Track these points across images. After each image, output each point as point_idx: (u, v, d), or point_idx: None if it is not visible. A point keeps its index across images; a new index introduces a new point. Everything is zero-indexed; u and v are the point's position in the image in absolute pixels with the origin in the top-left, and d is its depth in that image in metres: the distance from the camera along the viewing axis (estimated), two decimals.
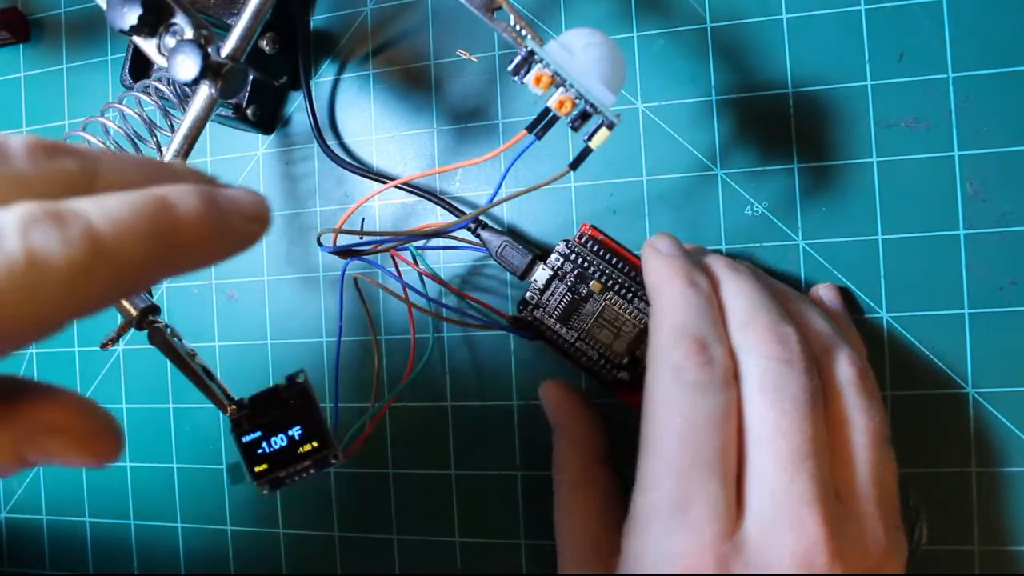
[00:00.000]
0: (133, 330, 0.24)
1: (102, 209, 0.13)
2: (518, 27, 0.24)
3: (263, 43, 0.32)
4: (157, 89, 0.30)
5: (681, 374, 0.21)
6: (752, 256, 0.29)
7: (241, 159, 0.35)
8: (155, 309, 0.24)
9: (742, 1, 0.29)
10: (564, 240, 0.28)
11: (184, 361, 0.24)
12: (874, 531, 0.21)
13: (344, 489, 0.34)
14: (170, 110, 0.30)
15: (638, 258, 0.28)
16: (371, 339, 0.33)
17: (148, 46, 0.24)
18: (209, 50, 0.23)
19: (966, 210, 0.27)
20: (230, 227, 0.15)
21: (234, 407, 0.24)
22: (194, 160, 0.32)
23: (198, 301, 0.36)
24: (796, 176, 0.29)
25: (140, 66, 0.33)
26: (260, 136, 0.35)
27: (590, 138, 0.23)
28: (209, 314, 0.36)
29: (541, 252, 0.29)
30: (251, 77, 0.32)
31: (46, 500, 0.38)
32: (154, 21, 0.24)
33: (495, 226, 0.30)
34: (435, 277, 0.30)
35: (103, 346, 0.24)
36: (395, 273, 0.29)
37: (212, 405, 0.23)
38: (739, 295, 0.23)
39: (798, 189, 0.29)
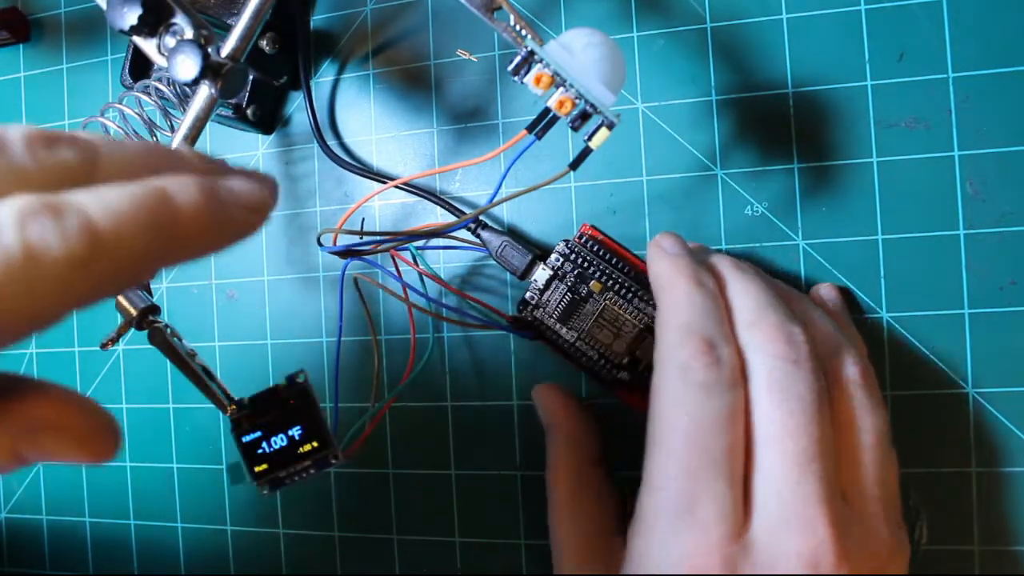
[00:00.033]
0: (133, 330, 0.24)
1: (101, 202, 0.13)
2: (518, 27, 0.24)
3: (263, 43, 0.32)
4: (157, 89, 0.30)
5: (688, 374, 0.21)
6: (752, 256, 0.29)
7: (241, 159, 0.35)
8: (155, 309, 0.24)
9: (742, 1, 0.29)
10: (564, 240, 0.28)
11: (184, 361, 0.24)
12: (879, 531, 0.21)
13: (344, 489, 0.34)
14: (170, 110, 0.30)
15: (638, 258, 0.28)
16: (371, 339, 0.33)
17: (148, 46, 0.24)
18: (209, 50, 0.23)
19: (966, 210, 0.27)
20: (230, 219, 0.15)
21: (234, 407, 0.24)
22: None
23: (198, 301, 0.36)
24: (796, 176, 0.29)
25: (140, 66, 0.33)
26: (260, 136, 0.35)
27: (590, 138, 0.23)
28: (209, 314, 0.36)
29: (541, 252, 0.29)
30: (251, 77, 0.32)
31: (46, 500, 0.38)
32: (154, 21, 0.24)
33: (495, 226, 0.30)
34: (435, 277, 0.30)
35: (103, 346, 0.24)
36: (395, 273, 0.29)
37: (212, 405, 0.23)
38: (746, 295, 0.23)
39: (798, 189, 0.29)
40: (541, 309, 0.28)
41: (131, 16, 0.23)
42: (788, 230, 0.29)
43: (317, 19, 0.34)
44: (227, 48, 0.25)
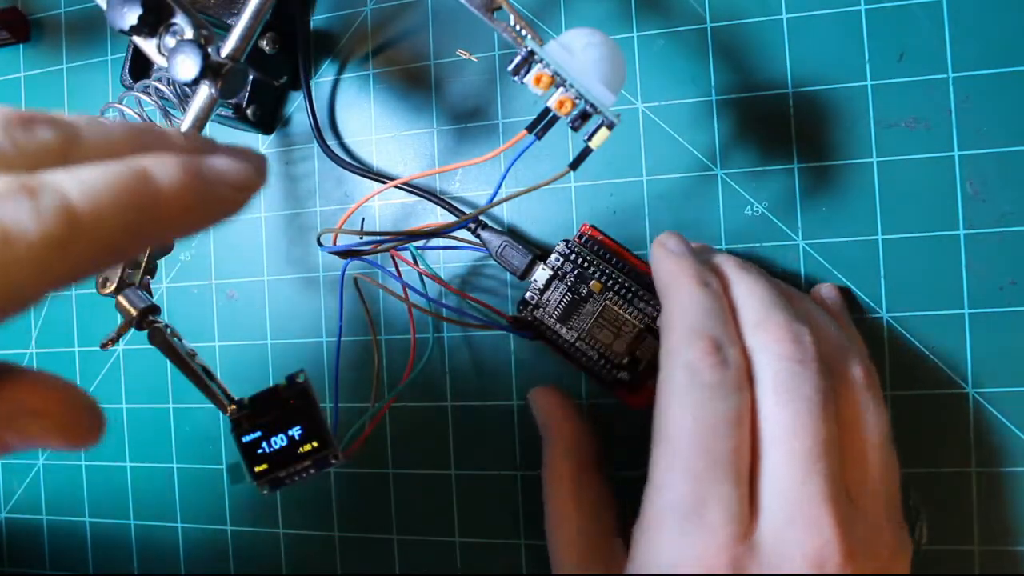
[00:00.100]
0: (133, 330, 0.24)
1: (79, 181, 0.13)
2: (518, 27, 0.24)
3: (263, 43, 0.32)
4: (157, 89, 0.30)
5: (696, 374, 0.21)
6: (752, 256, 0.29)
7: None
8: (155, 309, 0.24)
9: (742, 1, 0.29)
10: (564, 240, 0.28)
11: (184, 361, 0.24)
12: (884, 531, 0.21)
13: (344, 489, 0.34)
14: (170, 110, 0.30)
15: (638, 258, 0.28)
16: (371, 339, 0.33)
17: (148, 46, 0.24)
18: (209, 50, 0.23)
19: (966, 210, 0.27)
20: (215, 197, 0.15)
21: (234, 407, 0.24)
22: None
23: (198, 301, 0.36)
24: (796, 176, 0.29)
25: (140, 66, 0.33)
26: (260, 136, 0.35)
27: (590, 138, 0.23)
28: (209, 314, 0.36)
29: (541, 252, 0.29)
30: (251, 77, 0.32)
31: (46, 500, 0.38)
32: (154, 21, 0.24)
33: (495, 226, 0.30)
34: (435, 277, 0.30)
35: (103, 346, 0.24)
36: (395, 273, 0.29)
37: (212, 405, 0.23)
38: (751, 295, 0.23)
39: (798, 189, 0.29)
40: (541, 309, 0.28)
41: (131, 16, 0.23)
42: (788, 230, 0.29)
43: (317, 19, 0.34)
44: (227, 48, 0.25)
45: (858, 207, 0.28)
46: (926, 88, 0.27)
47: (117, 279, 0.24)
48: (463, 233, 0.29)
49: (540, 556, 0.31)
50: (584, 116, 0.23)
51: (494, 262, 0.29)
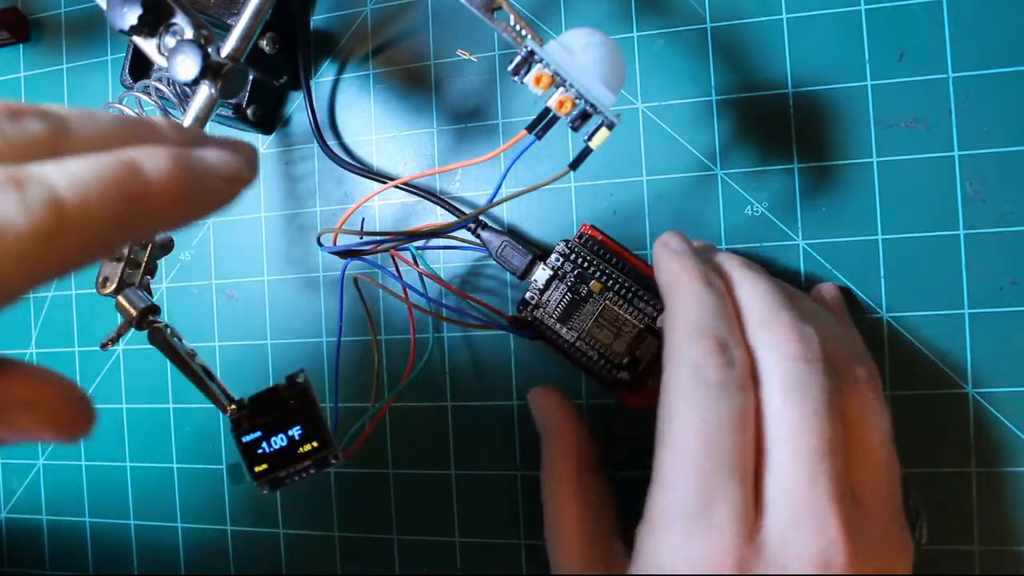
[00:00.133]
0: (133, 330, 0.24)
1: (67, 173, 0.13)
2: (518, 27, 0.24)
3: (263, 43, 0.32)
4: (157, 89, 0.30)
5: (702, 374, 0.21)
6: (752, 256, 0.29)
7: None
8: (155, 309, 0.24)
9: (742, 1, 0.29)
10: (564, 240, 0.28)
11: (184, 361, 0.24)
12: (888, 531, 0.21)
13: (344, 489, 0.34)
14: (170, 110, 0.30)
15: (638, 258, 0.28)
16: (371, 339, 0.33)
17: (148, 46, 0.24)
18: (209, 50, 0.23)
19: (966, 210, 0.27)
20: (205, 188, 0.15)
21: (234, 407, 0.24)
22: None
23: (198, 301, 0.36)
24: (796, 176, 0.29)
25: (140, 66, 0.33)
26: (260, 136, 0.35)
27: (590, 138, 0.23)
28: (209, 314, 0.36)
29: (541, 252, 0.29)
30: (251, 77, 0.32)
31: (46, 500, 0.38)
32: (154, 21, 0.24)
33: (495, 226, 0.30)
34: (435, 277, 0.30)
35: (103, 346, 0.24)
36: (395, 273, 0.29)
37: (212, 405, 0.23)
38: (756, 294, 0.23)
39: (798, 189, 0.29)
40: (541, 309, 0.28)
41: (131, 16, 0.23)
42: (788, 230, 0.29)
43: (317, 19, 0.34)
44: (227, 48, 0.25)
45: (858, 207, 0.28)
46: (926, 88, 0.27)
47: (117, 279, 0.24)
48: (463, 233, 0.29)
49: (540, 556, 0.31)
50: (584, 116, 0.23)
51: (494, 262, 0.29)
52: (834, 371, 0.21)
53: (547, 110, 0.24)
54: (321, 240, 0.29)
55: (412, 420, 0.33)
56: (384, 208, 0.33)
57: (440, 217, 0.32)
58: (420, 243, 0.30)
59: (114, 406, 0.37)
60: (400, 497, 0.33)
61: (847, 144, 0.28)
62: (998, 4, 0.27)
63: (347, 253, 0.28)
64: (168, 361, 0.23)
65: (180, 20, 0.24)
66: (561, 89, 0.23)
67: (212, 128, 0.35)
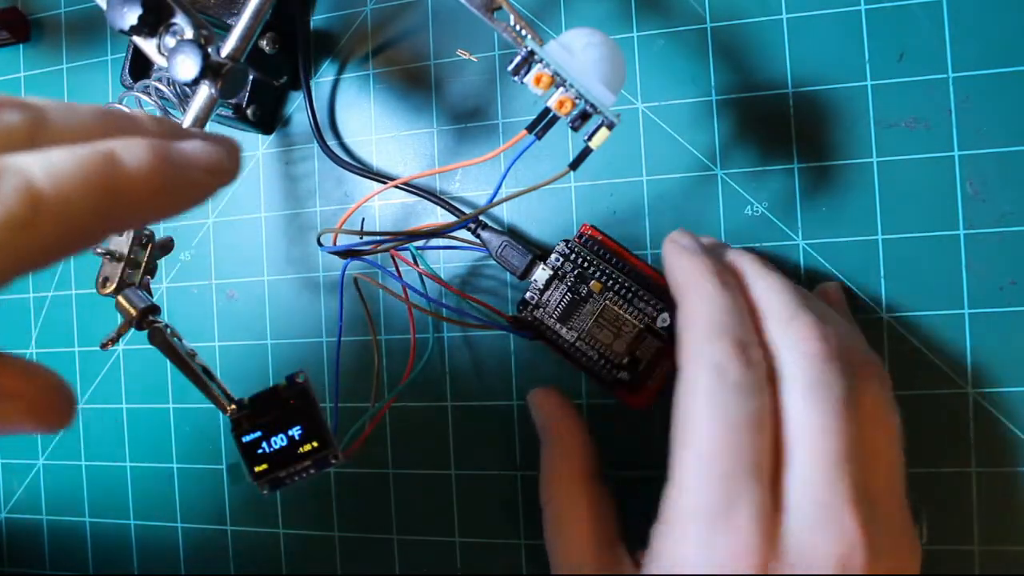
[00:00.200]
0: (133, 330, 0.24)
1: (43, 163, 0.13)
2: (518, 27, 0.24)
3: (263, 43, 0.32)
4: (157, 89, 0.30)
5: (724, 374, 0.20)
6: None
7: (241, 159, 0.35)
8: (155, 309, 0.24)
9: (742, 1, 0.29)
10: (564, 240, 0.28)
11: (184, 361, 0.24)
12: (900, 531, 0.21)
13: (344, 489, 0.34)
14: (170, 110, 0.30)
15: (638, 258, 0.28)
16: (371, 339, 0.33)
17: (148, 46, 0.24)
18: (209, 50, 0.23)
19: (966, 210, 0.27)
20: (186, 180, 0.15)
21: (234, 407, 0.24)
22: None
23: (198, 301, 0.36)
24: (796, 176, 0.29)
25: (140, 66, 0.33)
26: (260, 136, 0.35)
27: (590, 138, 0.23)
28: (209, 314, 0.36)
29: (541, 252, 0.29)
30: (251, 77, 0.32)
31: (46, 500, 0.38)
32: (154, 21, 0.24)
33: (495, 226, 0.30)
34: (435, 277, 0.30)
35: (103, 346, 0.24)
36: (395, 273, 0.29)
37: (212, 405, 0.23)
38: (774, 292, 0.22)
39: (798, 189, 0.29)
40: (541, 309, 0.28)
41: (131, 16, 0.23)
42: (788, 230, 0.29)
43: (317, 19, 0.34)
44: (227, 48, 0.25)
45: (858, 207, 0.28)
46: (926, 88, 0.27)
47: (117, 279, 0.24)
48: (463, 233, 0.29)
49: (540, 556, 0.31)
50: (584, 116, 0.23)
51: (494, 262, 0.29)
52: (850, 370, 0.21)
53: (547, 110, 0.24)
54: (321, 240, 0.29)
55: (412, 420, 0.33)
56: (384, 208, 0.33)
57: (440, 217, 0.32)
58: (420, 243, 0.30)
59: (114, 406, 0.37)
60: (400, 497, 0.33)
61: (847, 144, 0.28)
62: (998, 4, 0.27)
63: (347, 253, 0.28)
64: (168, 361, 0.23)
65: (180, 20, 0.24)
66: (561, 89, 0.23)
67: (212, 128, 0.35)
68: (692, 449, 0.20)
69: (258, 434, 0.24)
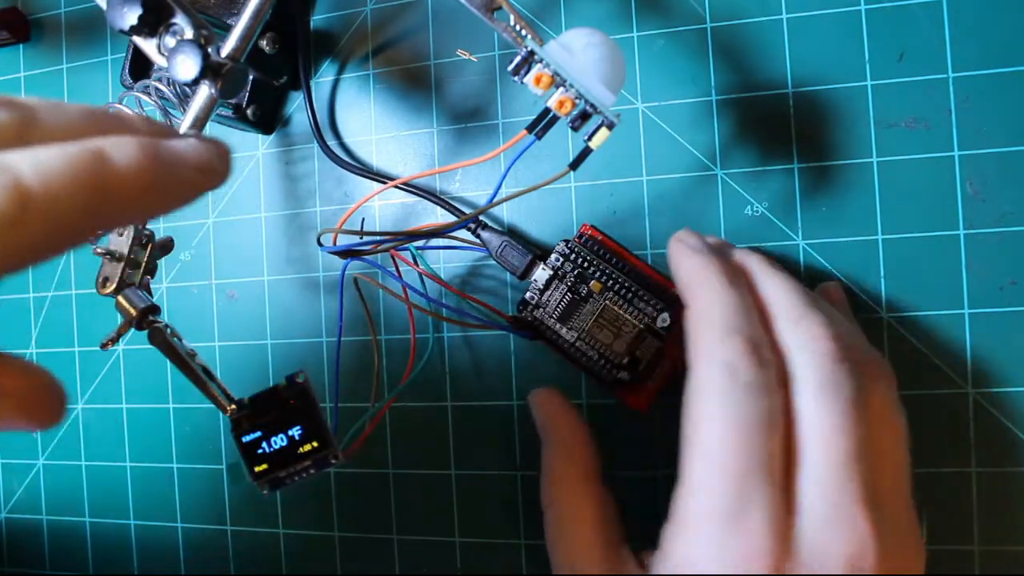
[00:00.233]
0: (133, 330, 0.24)
1: (32, 161, 0.13)
2: (518, 27, 0.24)
3: (263, 43, 0.32)
4: (157, 89, 0.30)
5: (736, 374, 0.20)
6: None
7: (241, 159, 0.35)
8: (155, 309, 0.24)
9: (742, 1, 0.29)
10: (564, 240, 0.28)
11: (184, 361, 0.24)
12: (907, 532, 0.21)
13: (344, 489, 0.34)
14: (170, 110, 0.30)
15: (638, 258, 0.28)
16: (371, 339, 0.33)
17: (148, 46, 0.24)
18: (209, 50, 0.23)
19: (966, 210, 0.27)
20: (176, 179, 0.15)
21: (234, 407, 0.24)
22: None
23: (198, 301, 0.36)
24: (796, 176, 0.29)
25: (140, 66, 0.33)
26: (260, 136, 0.35)
27: (590, 138, 0.23)
28: (209, 314, 0.36)
29: (541, 252, 0.29)
30: (251, 77, 0.32)
31: (46, 500, 0.38)
32: (154, 21, 0.24)
33: (495, 226, 0.30)
34: (435, 277, 0.30)
35: (103, 346, 0.24)
36: (395, 273, 0.29)
37: (212, 405, 0.23)
38: (784, 292, 0.22)
39: (798, 189, 0.29)
40: (541, 309, 0.28)
41: (131, 16, 0.23)
42: (788, 230, 0.29)
43: (317, 19, 0.34)
44: (227, 48, 0.25)
45: (858, 207, 0.28)
46: (926, 88, 0.27)
47: (117, 279, 0.24)
48: (463, 233, 0.29)
49: (540, 556, 0.31)
50: (584, 116, 0.23)
51: (494, 262, 0.29)
52: (859, 370, 0.21)
53: (547, 110, 0.24)
54: (321, 240, 0.29)
55: (412, 420, 0.33)
56: (384, 208, 0.33)
57: (440, 217, 0.32)
58: (420, 243, 0.30)
59: (114, 406, 0.37)
60: (400, 497, 0.33)
61: (847, 144, 0.28)
62: (998, 4, 0.27)
63: (347, 253, 0.28)
64: (168, 361, 0.23)
65: (180, 20, 0.24)
66: (561, 89, 0.23)
67: (212, 128, 0.35)
68: (704, 450, 0.20)
69: (258, 434, 0.24)
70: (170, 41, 0.24)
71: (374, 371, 0.32)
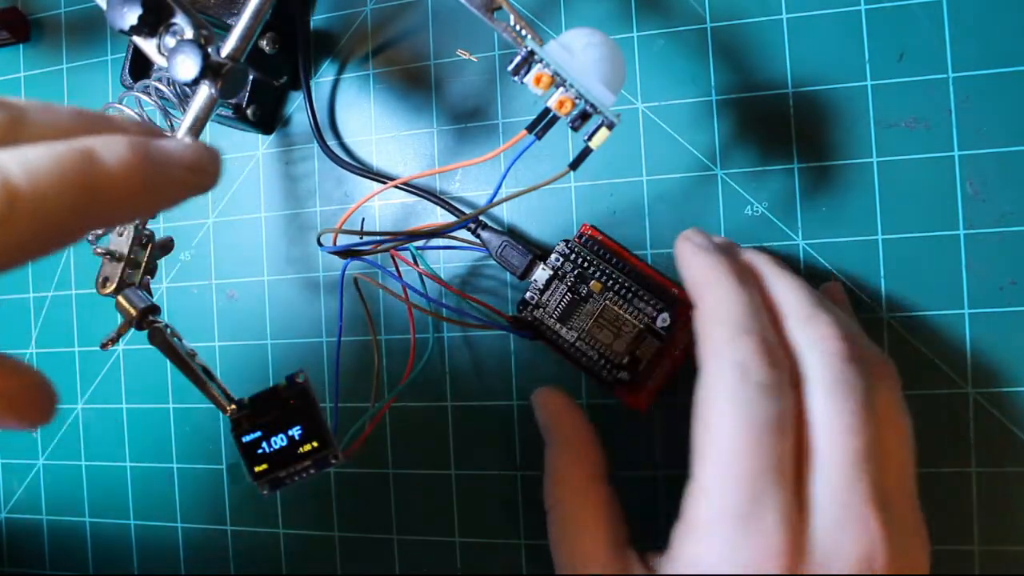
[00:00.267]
0: (133, 330, 0.24)
1: (20, 160, 0.13)
2: (518, 27, 0.24)
3: (263, 43, 0.32)
4: (157, 89, 0.30)
5: (748, 374, 0.20)
6: None
7: (241, 159, 0.35)
8: (155, 309, 0.24)
9: (742, 1, 0.29)
10: (564, 240, 0.28)
11: (184, 361, 0.24)
12: (913, 531, 0.21)
13: (344, 489, 0.34)
14: (170, 110, 0.30)
15: (638, 258, 0.28)
16: (371, 339, 0.33)
17: (148, 46, 0.24)
18: (209, 50, 0.23)
19: (966, 210, 0.27)
20: (167, 178, 0.15)
21: (234, 407, 0.24)
22: None
23: (198, 301, 0.36)
24: (796, 176, 0.29)
25: (140, 66, 0.33)
26: (260, 136, 0.35)
27: (590, 138, 0.23)
28: (209, 314, 0.36)
29: (541, 252, 0.29)
30: (251, 77, 0.32)
31: (46, 500, 0.38)
32: (154, 21, 0.24)
33: (495, 226, 0.30)
34: (435, 277, 0.30)
35: (103, 346, 0.24)
36: (395, 273, 0.29)
37: (212, 405, 0.23)
38: (792, 292, 0.22)
39: (798, 189, 0.29)
40: (541, 309, 0.28)
41: (131, 16, 0.23)
42: (788, 230, 0.29)
43: (317, 19, 0.34)
44: (227, 48, 0.25)
45: (858, 207, 0.28)
46: (926, 88, 0.27)
47: (117, 279, 0.24)
48: (463, 233, 0.29)
49: (540, 556, 0.31)
50: (584, 116, 0.23)
51: (494, 262, 0.29)
52: (867, 371, 0.21)
53: (547, 110, 0.24)
54: (321, 240, 0.29)
55: (412, 420, 0.33)
56: (384, 208, 0.33)
57: (440, 217, 0.32)
58: (420, 243, 0.30)
59: (114, 406, 0.37)
60: (400, 497, 0.33)
61: (847, 144, 0.28)
62: (998, 4, 0.27)
63: (347, 253, 0.28)
64: (168, 361, 0.23)
65: (180, 20, 0.24)
66: (561, 89, 0.23)
67: (212, 128, 0.35)
68: (716, 450, 0.20)
69: (258, 434, 0.24)
70: (170, 41, 0.24)
71: (374, 371, 0.32)
